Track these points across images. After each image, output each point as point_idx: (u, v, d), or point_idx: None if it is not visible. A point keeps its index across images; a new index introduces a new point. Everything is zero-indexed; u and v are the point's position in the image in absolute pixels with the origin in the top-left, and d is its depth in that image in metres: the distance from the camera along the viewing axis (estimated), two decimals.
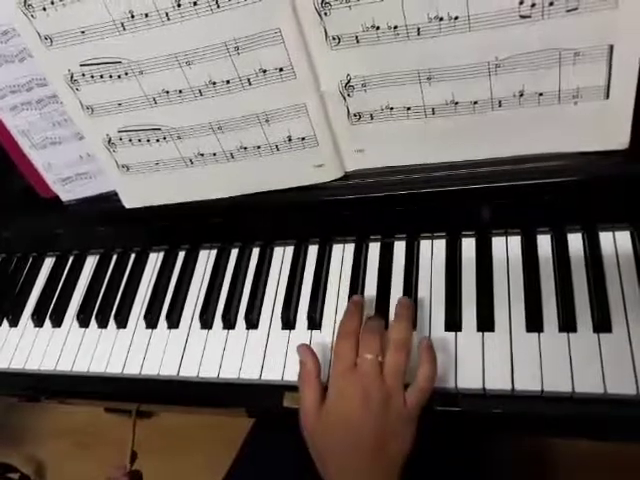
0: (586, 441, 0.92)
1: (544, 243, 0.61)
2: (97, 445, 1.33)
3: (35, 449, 1.39)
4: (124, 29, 0.54)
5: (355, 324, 0.57)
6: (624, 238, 0.59)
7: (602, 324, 0.54)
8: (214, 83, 0.56)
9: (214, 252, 0.74)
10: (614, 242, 0.59)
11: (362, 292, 0.65)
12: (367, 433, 0.51)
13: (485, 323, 0.58)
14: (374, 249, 0.67)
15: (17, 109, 0.66)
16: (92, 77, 0.58)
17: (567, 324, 0.55)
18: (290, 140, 0.60)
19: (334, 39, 0.52)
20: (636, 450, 0.84)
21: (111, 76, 0.58)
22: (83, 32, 0.55)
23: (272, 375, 0.62)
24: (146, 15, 0.52)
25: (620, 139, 0.52)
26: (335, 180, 0.63)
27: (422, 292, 0.62)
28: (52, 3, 0.54)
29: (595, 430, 0.56)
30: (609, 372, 0.52)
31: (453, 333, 0.58)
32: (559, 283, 0.58)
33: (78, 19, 0.54)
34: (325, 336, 0.63)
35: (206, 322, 0.68)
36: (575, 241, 0.60)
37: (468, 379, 0.55)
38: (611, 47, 0.47)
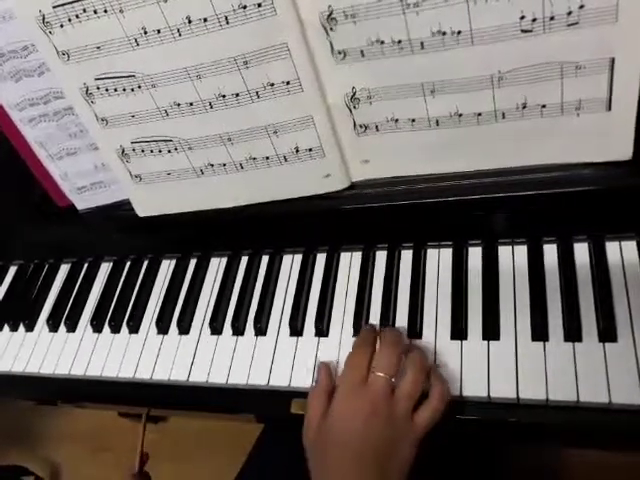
0: (590, 451, 0.91)
1: (550, 252, 0.61)
2: (112, 449, 1.34)
3: (50, 452, 1.40)
4: (137, 44, 0.56)
5: (374, 335, 0.58)
6: (630, 248, 0.59)
7: (607, 333, 0.54)
8: (224, 96, 0.58)
9: (224, 260, 0.75)
10: (620, 252, 0.59)
11: (369, 300, 0.65)
12: (368, 449, 0.51)
13: (491, 332, 0.58)
14: (381, 257, 0.68)
15: (35, 121, 0.68)
16: (107, 90, 0.60)
17: (572, 333, 0.55)
18: (298, 151, 0.61)
19: (340, 53, 0.53)
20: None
21: (125, 89, 0.59)
22: (98, 47, 0.57)
23: (280, 381, 0.63)
24: (158, 31, 0.54)
25: (623, 150, 0.52)
26: (342, 190, 0.64)
27: (428, 300, 0.63)
28: (69, 20, 0.56)
29: (598, 439, 0.56)
30: (614, 382, 0.52)
31: (459, 341, 0.59)
32: (565, 292, 0.58)
33: (94, 35, 0.56)
34: (332, 343, 0.64)
35: (216, 328, 0.69)
36: (581, 251, 0.60)
37: (473, 387, 0.56)
38: (612, 60, 0.47)
